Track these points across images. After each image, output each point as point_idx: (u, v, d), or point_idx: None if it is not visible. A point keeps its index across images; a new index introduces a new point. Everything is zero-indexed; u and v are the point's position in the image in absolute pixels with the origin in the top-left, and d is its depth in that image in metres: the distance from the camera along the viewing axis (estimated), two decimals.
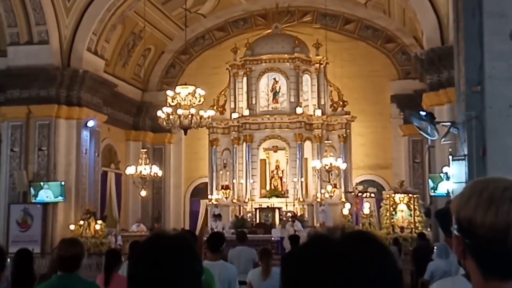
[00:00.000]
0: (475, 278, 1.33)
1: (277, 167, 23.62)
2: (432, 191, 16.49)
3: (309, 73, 23.90)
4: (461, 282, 2.22)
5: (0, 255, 3.60)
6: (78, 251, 4.18)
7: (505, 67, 7.76)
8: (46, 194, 18.84)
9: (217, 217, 21.35)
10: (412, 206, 19.13)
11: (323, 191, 22.66)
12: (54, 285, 4.18)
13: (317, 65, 23.81)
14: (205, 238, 7.47)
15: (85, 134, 20.21)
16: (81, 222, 18.88)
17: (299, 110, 23.17)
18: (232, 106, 24.03)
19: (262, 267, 7.15)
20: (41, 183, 18.93)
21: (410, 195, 19.36)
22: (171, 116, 17.65)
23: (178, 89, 18.31)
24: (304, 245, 1.22)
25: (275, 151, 23.55)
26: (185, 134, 18.79)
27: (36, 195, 18.84)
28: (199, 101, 17.86)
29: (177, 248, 1.73)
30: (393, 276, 1.16)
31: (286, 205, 22.32)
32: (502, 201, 1.29)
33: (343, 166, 22.36)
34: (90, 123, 20.18)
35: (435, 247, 9.64)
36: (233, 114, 23.80)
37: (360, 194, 22.39)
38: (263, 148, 23.56)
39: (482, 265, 1.31)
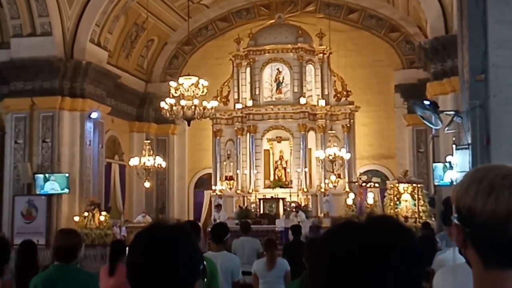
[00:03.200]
0: (476, 267, 1.32)
1: (281, 158, 23.61)
2: (439, 178, 16.17)
3: (313, 63, 23.83)
4: (462, 269, 2.21)
5: (4, 248, 3.60)
6: (74, 242, 4.21)
7: (509, 55, 7.71)
8: (52, 186, 18.88)
9: (218, 207, 21.37)
10: (416, 196, 19.09)
11: (327, 181, 22.65)
12: (51, 275, 4.22)
13: (321, 55, 23.74)
14: (209, 229, 7.46)
15: (89, 125, 20.20)
16: (86, 214, 18.91)
17: (302, 101, 23.13)
18: (236, 96, 24.00)
19: (267, 257, 7.13)
20: (47, 175, 18.96)
21: (414, 184, 19.32)
22: (174, 107, 17.63)
23: (182, 80, 18.29)
24: (331, 233, 1.25)
25: (279, 142, 23.55)
26: (189, 125, 18.75)
27: (42, 187, 18.88)
28: (203, 92, 17.84)
29: (174, 237, 1.73)
30: (415, 259, 1.22)
31: (290, 196, 22.33)
32: (502, 188, 1.27)
33: (347, 156, 22.32)
34: (94, 115, 20.17)
35: (437, 238, 9.58)
36: (236, 105, 23.77)
37: (364, 184, 22.35)
38: (267, 139, 23.55)
39: (482, 254, 1.29)
